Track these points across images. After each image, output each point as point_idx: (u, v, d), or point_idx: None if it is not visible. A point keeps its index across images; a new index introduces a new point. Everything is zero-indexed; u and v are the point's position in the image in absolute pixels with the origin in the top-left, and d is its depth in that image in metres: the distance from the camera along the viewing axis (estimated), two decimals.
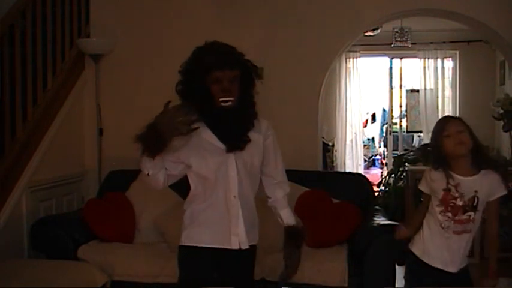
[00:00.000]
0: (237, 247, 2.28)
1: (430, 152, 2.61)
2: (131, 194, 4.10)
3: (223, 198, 2.26)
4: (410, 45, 7.81)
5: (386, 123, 9.19)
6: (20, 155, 3.92)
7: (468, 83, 7.97)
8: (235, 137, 2.24)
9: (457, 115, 8.13)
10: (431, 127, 7.32)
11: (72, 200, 4.53)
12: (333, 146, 8.15)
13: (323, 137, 6.31)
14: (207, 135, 2.25)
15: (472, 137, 2.47)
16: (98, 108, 4.65)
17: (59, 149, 4.33)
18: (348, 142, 8.45)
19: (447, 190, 2.45)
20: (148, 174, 2.22)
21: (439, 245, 2.51)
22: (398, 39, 7.67)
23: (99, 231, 3.84)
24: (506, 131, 5.63)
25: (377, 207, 4.15)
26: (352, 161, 8.46)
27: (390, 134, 8.71)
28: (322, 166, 5.32)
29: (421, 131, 8.29)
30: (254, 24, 4.59)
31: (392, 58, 8.62)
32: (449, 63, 8.26)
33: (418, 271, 2.57)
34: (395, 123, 9.11)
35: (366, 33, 6.37)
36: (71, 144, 4.59)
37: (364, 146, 8.80)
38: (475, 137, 2.48)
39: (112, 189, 4.20)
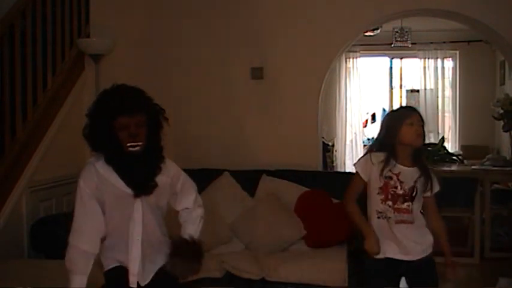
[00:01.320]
0: (135, 286, 2.32)
1: (378, 136, 2.62)
2: None
3: (126, 240, 2.31)
4: (410, 45, 7.81)
5: None
6: (20, 155, 3.92)
7: (468, 83, 7.98)
8: (142, 182, 2.26)
9: (457, 115, 8.15)
10: (432, 127, 7.37)
11: (72, 200, 4.52)
12: (333, 146, 8.15)
13: (323, 137, 6.30)
14: (114, 181, 2.26)
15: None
16: None
17: (59, 149, 4.33)
18: (348, 142, 8.46)
19: (388, 178, 2.48)
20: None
21: (381, 238, 2.52)
22: (398, 39, 7.67)
23: None
24: (506, 131, 5.63)
25: None
26: (352, 161, 8.46)
27: None
28: (322, 166, 5.31)
29: None
30: (254, 23, 4.59)
31: (392, 58, 8.62)
32: (449, 63, 8.27)
33: (369, 266, 2.58)
34: None
35: (366, 33, 6.37)
36: (71, 144, 4.58)
37: (364, 146, 8.78)
38: (424, 133, 2.57)
39: None
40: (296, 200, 3.99)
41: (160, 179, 2.31)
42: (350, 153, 8.47)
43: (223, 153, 4.53)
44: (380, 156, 2.51)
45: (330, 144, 7.99)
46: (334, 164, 8.15)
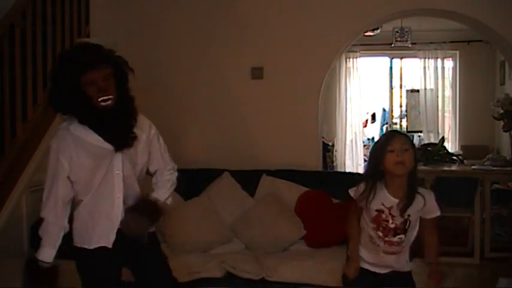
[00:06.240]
0: (110, 246, 2.31)
1: (367, 165, 2.56)
2: None
3: (108, 198, 2.27)
4: (410, 45, 7.81)
5: (387, 123, 9.19)
6: (20, 155, 3.92)
7: (468, 83, 7.98)
8: (121, 135, 2.23)
9: (457, 115, 8.15)
10: (432, 127, 7.38)
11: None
12: (333, 146, 8.15)
13: (323, 137, 6.30)
14: (92, 139, 2.22)
15: (414, 158, 2.38)
16: None
17: None
18: (348, 142, 8.46)
19: (380, 211, 2.40)
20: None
21: (368, 252, 2.52)
22: (398, 39, 7.67)
23: None
24: (506, 131, 5.63)
25: None
26: (352, 161, 8.47)
27: None
28: (322, 166, 5.31)
29: (421, 131, 8.29)
30: (254, 23, 4.59)
31: (392, 58, 8.62)
32: (449, 63, 8.27)
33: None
34: (395, 123, 9.12)
35: (366, 33, 6.37)
36: None
37: (364, 146, 8.79)
38: (416, 158, 2.41)
39: None
40: (296, 200, 3.99)
41: (137, 132, 2.29)
42: (350, 153, 8.47)
43: (223, 153, 4.53)
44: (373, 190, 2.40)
45: (330, 144, 7.99)
46: (334, 164, 8.15)
